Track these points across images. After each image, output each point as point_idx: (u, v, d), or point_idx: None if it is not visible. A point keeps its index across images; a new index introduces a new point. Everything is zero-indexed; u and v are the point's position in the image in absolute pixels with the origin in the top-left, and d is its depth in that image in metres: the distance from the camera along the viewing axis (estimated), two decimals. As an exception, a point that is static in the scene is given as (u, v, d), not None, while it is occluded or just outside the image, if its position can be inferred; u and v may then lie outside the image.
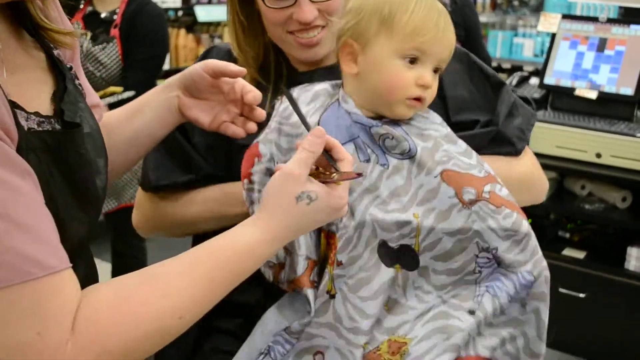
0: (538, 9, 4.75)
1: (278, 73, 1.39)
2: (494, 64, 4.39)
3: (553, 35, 3.40)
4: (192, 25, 4.53)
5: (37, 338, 0.78)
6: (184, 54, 4.37)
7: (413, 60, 1.13)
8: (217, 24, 4.44)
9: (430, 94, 1.16)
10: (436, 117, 1.21)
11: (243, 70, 1.17)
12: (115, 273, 3.25)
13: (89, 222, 0.97)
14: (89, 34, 2.98)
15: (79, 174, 0.94)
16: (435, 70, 1.16)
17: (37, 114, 0.90)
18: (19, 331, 0.77)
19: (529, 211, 3.49)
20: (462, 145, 1.18)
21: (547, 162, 3.21)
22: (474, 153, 1.18)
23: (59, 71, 1.00)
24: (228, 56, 1.38)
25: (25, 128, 0.87)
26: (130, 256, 3.16)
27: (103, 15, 3.01)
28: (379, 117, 1.16)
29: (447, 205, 1.10)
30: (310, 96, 1.20)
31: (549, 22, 3.41)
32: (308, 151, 0.98)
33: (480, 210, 1.11)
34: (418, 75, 1.13)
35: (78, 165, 0.94)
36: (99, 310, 0.83)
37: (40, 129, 0.89)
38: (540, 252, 1.17)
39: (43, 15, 0.99)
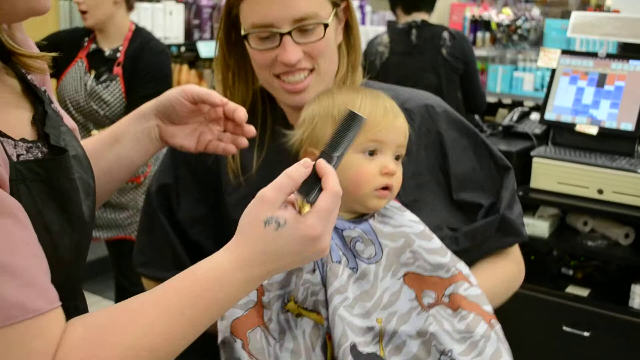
0: (537, 43, 4.77)
1: (264, 122, 1.37)
2: (495, 99, 4.40)
3: (553, 71, 3.42)
4: (194, 60, 4.55)
5: None
6: (186, 89, 4.40)
7: (372, 153, 1.16)
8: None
9: (397, 181, 1.18)
10: (412, 215, 1.21)
11: (225, 100, 1.17)
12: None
13: (76, 246, 0.96)
14: (93, 73, 3.00)
15: (71, 200, 0.93)
16: (397, 158, 1.19)
17: (23, 140, 0.89)
18: None
19: (531, 247, 3.47)
20: (437, 242, 1.18)
21: (549, 198, 3.21)
22: (448, 252, 1.18)
23: (34, 96, 0.99)
24: None
25: (14, 157, 0.86)
26: (133, 292, 3.15)
27: (107, 53, 3.02)
28: (360, 215, 1.18)
29: (407, 308, 1.11)
30: None
31: (549, 57, 3.43)
32: (289, 177, 0.93)
33: (437, 313, 1.11)
34: (381, 165, 1.16)
35: (70, 191, 0.93)
36: (72, 356, 0.82)
37: (30, 155, 0.89)
38: (504, 357, 1.14)
39: (11, 40, 0.98)
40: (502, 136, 3.74)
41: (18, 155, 0.87)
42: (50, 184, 0.90)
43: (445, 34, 3.54)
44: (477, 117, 3.92)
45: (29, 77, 1.01)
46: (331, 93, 1.23)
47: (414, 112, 1.34)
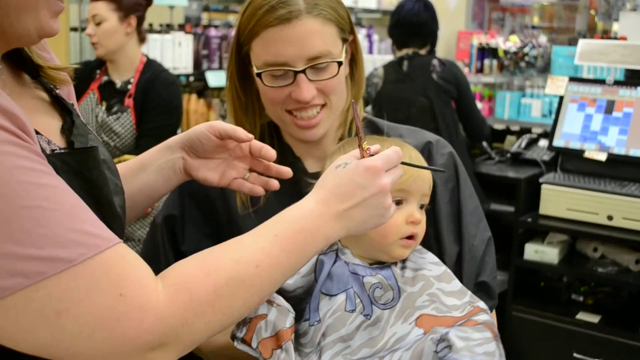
0: (545, 70, 4.78)
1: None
2: (503, 125, 4.41)
3: (561, 98, 3.43)
4: (203, 90, 4.58)
5: (120, 299, 0.81)
6: (195, 119, 4.41)
7: (398, 202, 1.18)
8: (228, 89, 4.43)
9: (421, 229, 1.20)
10: (434, 257, 1.22)
11: (251, 136, 1.19)
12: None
13: None
14: (104, 105, 3.02)
15: (103, 192, 0.97)
16: (421, 207, 1.21)
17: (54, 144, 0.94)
18: (100, 300, 0.80)
19: (541, 274, 3.46)
20: (457, 284, 1.18)
21: (558, 224, 3.20)
22: (468, 293, 1.18)
23: (63, 108, 1.04)
24: None
25: (48, 151, 0.91)
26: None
27: (118, 85, 3.03)
28: (378, 262, 1.19)
29: (411, 342, 1.10)
30: None
31: (556, 85, 3.44)
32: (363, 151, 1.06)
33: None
34: (407, 214, 1.18)
35: (101, 183, 0.98)
36: (184, 266, 0.90)
37: (62, 151, 0.94)
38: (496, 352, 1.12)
39: (39, 57, 1.03)
40: (511, 163, 3.74)
41: (52, 150, 0.92)
42: (81, 174, 0.94)
43: (435, 62, 3.60)
44: (485, 144, 3.92)
45: (57, 91, 1.05)
46: (353, 144, 1.22)
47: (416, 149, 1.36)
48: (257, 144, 1.20)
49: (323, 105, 1.29)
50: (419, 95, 3.53)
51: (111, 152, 2.97)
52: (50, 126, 0.99)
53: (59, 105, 1.04)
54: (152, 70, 3.05)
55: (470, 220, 1.35)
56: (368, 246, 1.18)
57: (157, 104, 2.99)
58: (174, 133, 3.19)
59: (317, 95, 1.27)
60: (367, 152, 1.05)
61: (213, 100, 4.59)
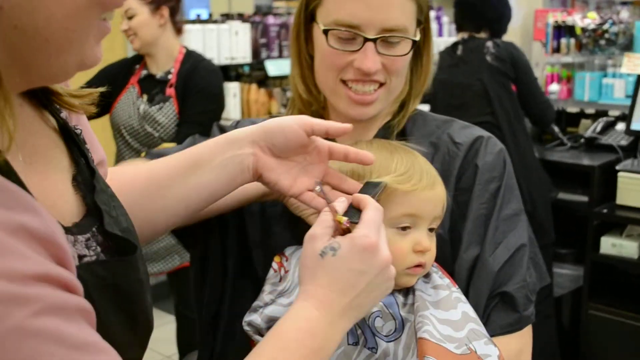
0: (628, 47, 4.45)
1: None
2: (577, 108, 4.13)
3: (639, 77, 3.16)
4: (263, 79, 4.50)
5: None
6: (255, 108, 4.33)
7: (405, 228, 1.03)
8: (288, 77, 4.30)
9: (430, 256, 1.06)
10: (438, 279, 1.07)
11: (349, 126, 1.04)
12: (180, 333, 3.22)
13: (141, 346, 0.86)
14: (145, 97, 2.98)
15: (140, 306, 0.83)
16: (431, 229, 1.07)
17: (76, 226, 0.78)
18: None
19: (620, 269, 3.22)
20: (457, 314, 1.02)
21: (637, 215, 2.97)
22: (467, 327, 1.01)
23: (71, 141, 0.86)
24: None
25: (76, 259, 0.75)
26: (192, 318, 3.10)
27: (158, 76, 3.01)
28: None
29: None
30: None
31: (634, 63, 3.18)
32: (329, 212, 0.94)
33: None
34: (414, 241, 1.03)
35: (140, 297, 0.83)
36: None
37: (91, 251, 0.78)
38: None
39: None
40: (585, 149, 3.52)
41: (80, 257, 0.76)
42: (116, 288, 0.79)
43: (489, 44, 3.44)
44: (556, 128, 3.68)
45: (62, 114, 0.87)
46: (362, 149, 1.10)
47: (462, 145, 1.23)
48: (339, 147, 1.05)
49: (382, 84, 1.18)
50: (473, 79, 3.37)
51: (155, 143, 2.95)
52: (61, 179, 0.82)
53: (65, 135, 0.86)
54: (192, 60, 3.02)
55: (499, 227, 1.18)
56: None
57: (198, 91, 2.95)
58: (215, 120, 3.11)
59: (380, 70, 1.16)
60: (347, 224, 0.92)
61: (274, 89, 4.49)
